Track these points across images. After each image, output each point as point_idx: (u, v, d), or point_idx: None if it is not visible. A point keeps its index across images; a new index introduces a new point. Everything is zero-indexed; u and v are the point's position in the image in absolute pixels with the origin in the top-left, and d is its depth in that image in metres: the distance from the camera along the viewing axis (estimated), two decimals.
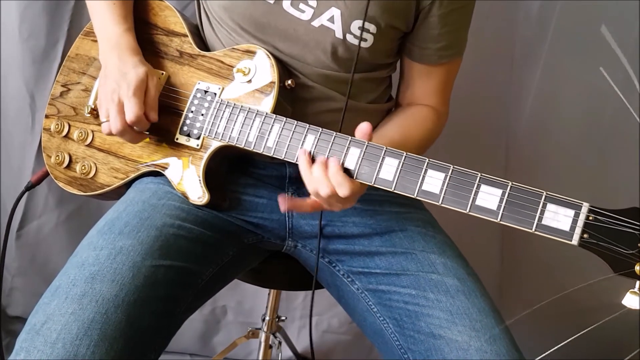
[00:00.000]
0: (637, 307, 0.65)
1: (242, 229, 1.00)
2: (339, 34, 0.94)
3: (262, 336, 1.39)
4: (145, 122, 0.93)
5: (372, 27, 0.94)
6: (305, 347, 1.79)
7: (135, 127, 0.93)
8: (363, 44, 0.95)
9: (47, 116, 1.08)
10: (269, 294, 1.35)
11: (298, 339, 1.77)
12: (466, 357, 0.83)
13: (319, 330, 1.80)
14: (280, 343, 1.39)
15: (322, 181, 0.81)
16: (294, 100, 0.96)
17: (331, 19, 0.93)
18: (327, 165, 0.82)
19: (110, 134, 0.93)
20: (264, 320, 1.38)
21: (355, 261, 0.99)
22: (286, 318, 1.41)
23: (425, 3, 0.95)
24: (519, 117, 1.59)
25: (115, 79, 0.93)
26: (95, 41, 1.06)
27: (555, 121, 1.59)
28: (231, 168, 1.01)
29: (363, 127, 0.82)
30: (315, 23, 0.94)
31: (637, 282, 0.66)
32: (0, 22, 1.46)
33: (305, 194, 1.04)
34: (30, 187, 1.12)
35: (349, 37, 0.94)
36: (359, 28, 0.93)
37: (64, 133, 1.05)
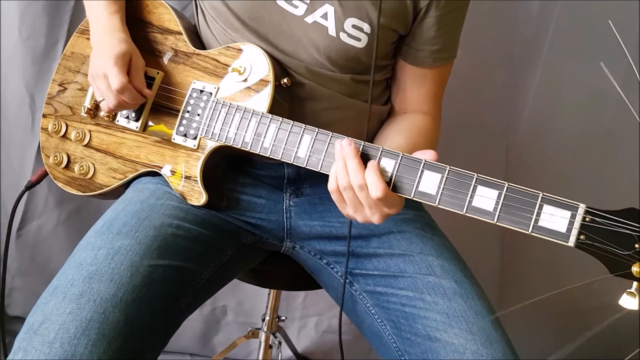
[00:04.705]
0: (634, 308, 0.65)
1: (240, 228, 1.00)
2: (332, 32, 0.93)
3: (262, 336, 1.39)
4: (133, 92, 0.93)
5: (366, 27, 0.93)
6: (305, 347, 1.79)
7: (126, 98, 0.93)
8: (357, 44, 0.94)
9: (44, 115, 1.08)
10: (269, 294, 1.35)
11: (298, 339, 1.77)
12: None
13: (319, 331, 1.79)
14: (280, 343, 1.39)
15: (356, 173, 0.78)
16: (290, 99, 0.96)
17: (324, 16, 0.93)
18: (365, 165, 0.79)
19: (111, 110, 0.96)
20: (264, 320, 1.38)
21: (353, 263, 0.98)
22: (286, 318, 1.41)
23: (422, 3, 0.94)
24: (519, 117, 1.59)
25: (100, 56, 0.94)
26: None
27: (555, 121, 1.59)
28: (229, 168, 1.00)
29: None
30: (309, 19, 0.93)
31: (635, 283, 0.66)
32: (0, 22, 1.46)
33: (304, 194, 1.04)
34: (30, 186, 1.12)
35: (343, 36, 0.94)
36: (353, 27, 0.93)
37: (62, 133, 1.05)
